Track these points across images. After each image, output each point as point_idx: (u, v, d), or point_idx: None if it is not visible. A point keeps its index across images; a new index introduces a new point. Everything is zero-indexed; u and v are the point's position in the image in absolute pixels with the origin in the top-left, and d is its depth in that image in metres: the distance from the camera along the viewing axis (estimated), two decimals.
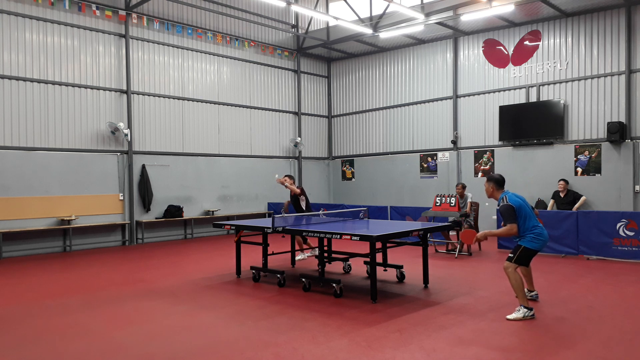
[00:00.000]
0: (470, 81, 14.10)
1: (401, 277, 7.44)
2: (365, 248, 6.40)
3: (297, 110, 16.42)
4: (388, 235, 6.37)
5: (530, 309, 5.47)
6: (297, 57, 16.30)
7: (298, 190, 9.35)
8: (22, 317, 5.84)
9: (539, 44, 12.88)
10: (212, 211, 13.91)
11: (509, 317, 5.44)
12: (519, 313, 5.43)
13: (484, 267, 8.66)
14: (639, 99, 11.55)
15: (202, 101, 13.91)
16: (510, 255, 5.67)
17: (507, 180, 6.10)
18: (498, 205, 5.80)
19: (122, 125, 11.99)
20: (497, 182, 5.87)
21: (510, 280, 5.56)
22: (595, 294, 6.52)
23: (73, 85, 11.53)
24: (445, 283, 7.26)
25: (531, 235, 5.57)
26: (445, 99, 14.56)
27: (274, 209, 14.64)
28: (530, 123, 12.78)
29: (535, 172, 12.76)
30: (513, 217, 5.57)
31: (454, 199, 9.76)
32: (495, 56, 13.64)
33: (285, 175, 9.55)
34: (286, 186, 9.36)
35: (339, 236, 6.28)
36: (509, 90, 13.35)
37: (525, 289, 5.80)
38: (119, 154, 12.26)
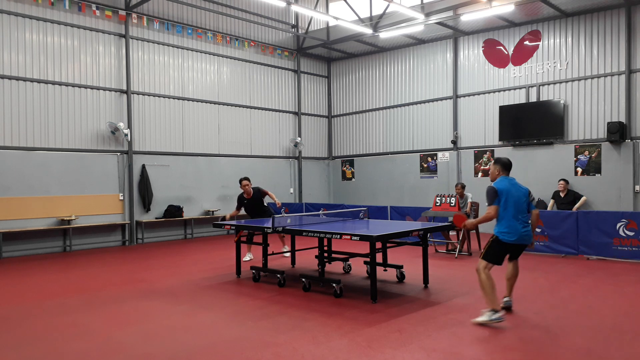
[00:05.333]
0: (470, 81, 14.09)
1: (401, 277, 7.44)
2: (365, 248, 6.39)
3: (297, 110, 16.42)
4: (388, 235, 6.37)
5: (496, 312, 5.05)
6: (297, 57, 16.29)
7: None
8: (22, 317, 5.83)
9: (539, 44, 12.87)
10: (212, 211, 13.90)
11: (474, 320, 5.17)
12: (484, 317, 5.10)
13: None
14: (639, 99, 11.55)
15: (202, 101, 13.91)
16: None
17: None
18: None
19: (122, 125, 11.99)
20: (503, 165, 5.50)
21: (479, 280, 5.30)
22: (595, 294, 6.52)
23: (73, 85, 11.53)
24: (445, 283, 7.26)
25: (504, 224, 5.27)
26: (445, 99, 14.56)
27: (274, 208, 14.61)
28: (530, 123, 12.78)
29: (535, 172, 12.75)
30: (492, 199, 5.28)
31: (454, 199, 9.78)
32: (495, 56, 13.64)
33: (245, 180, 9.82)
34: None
35: (339, 236, 6.28)
36: (509, 90, 13.35)
37: (505, 297, 5.69)
38: (119, 154, 12.26)
